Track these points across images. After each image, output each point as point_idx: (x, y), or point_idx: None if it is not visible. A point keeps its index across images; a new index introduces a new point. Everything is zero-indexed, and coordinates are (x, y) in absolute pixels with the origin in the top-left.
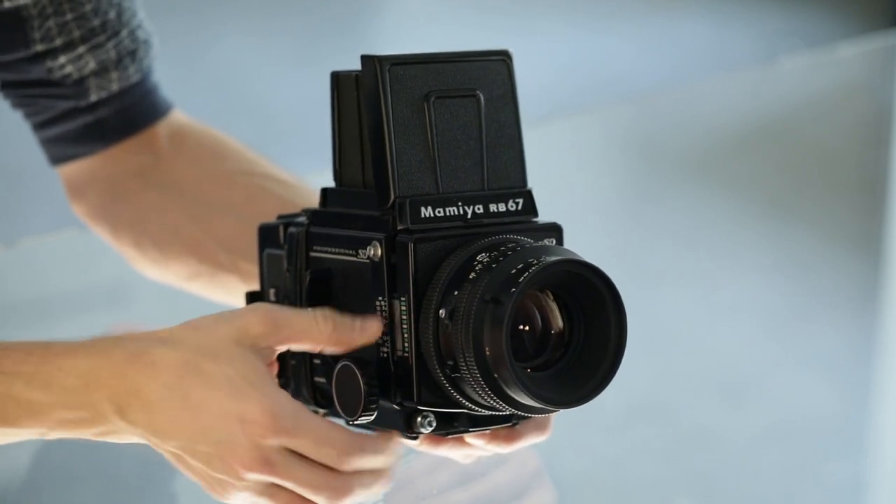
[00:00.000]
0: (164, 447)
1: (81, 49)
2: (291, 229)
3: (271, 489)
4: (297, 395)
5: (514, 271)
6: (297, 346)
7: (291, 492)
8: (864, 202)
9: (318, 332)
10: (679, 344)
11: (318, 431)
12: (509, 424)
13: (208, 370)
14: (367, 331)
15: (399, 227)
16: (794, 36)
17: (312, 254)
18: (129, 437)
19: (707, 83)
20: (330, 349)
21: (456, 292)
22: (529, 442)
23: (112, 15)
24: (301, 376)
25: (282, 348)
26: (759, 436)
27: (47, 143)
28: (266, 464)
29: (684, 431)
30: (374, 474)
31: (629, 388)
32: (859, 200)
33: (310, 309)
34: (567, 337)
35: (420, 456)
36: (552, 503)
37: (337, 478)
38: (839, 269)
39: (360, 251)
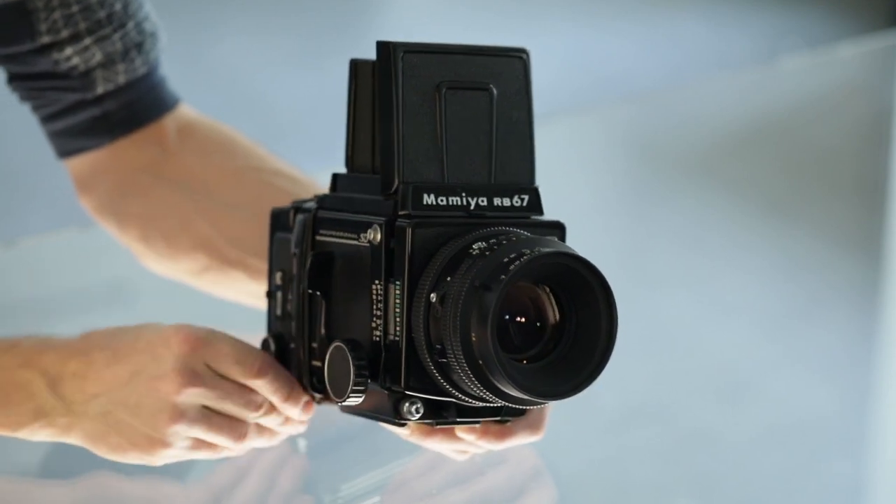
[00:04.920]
0: (88, 415)
1: (87, 41)
2: (300, 214)
3: (191, 440)
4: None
5: (506, 260)
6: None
7: (205, 441)
8: (864, 202)
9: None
10: (678, 344)
11: (233, 345)
12: (498, 418)
13: (135, 331)
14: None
15: (400, 213)
16: (794, 36)
17: (318, 237)
18: (50, 418)
19: (707, 83)
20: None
21: (448, 278)
22: (521, 441)
23: (118, 7)
24: (300, 360)
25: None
26: (759, 436)
27: (55, 137)
28: (194, 376)
29: (684, 432)
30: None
31: (629, 388)
32: (859, 200)
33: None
34: (559, 329)
35: (417, 456)
36: None
37: (240, 424)
38: (839, 269)
39: (361, 235)
